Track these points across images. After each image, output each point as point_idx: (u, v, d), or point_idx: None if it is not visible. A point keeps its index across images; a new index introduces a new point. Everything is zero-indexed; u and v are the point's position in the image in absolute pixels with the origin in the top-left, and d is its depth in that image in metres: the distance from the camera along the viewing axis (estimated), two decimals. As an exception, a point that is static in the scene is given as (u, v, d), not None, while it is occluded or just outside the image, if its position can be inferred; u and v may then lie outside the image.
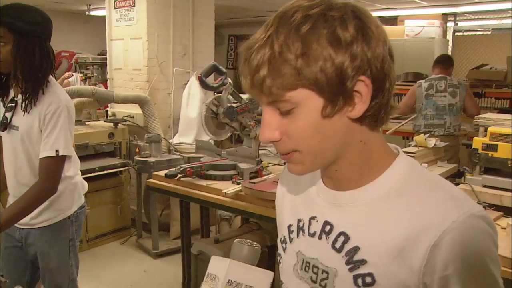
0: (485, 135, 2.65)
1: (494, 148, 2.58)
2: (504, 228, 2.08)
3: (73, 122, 1.96)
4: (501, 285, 0.74)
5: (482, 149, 2.62)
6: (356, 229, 0.78)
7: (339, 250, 0.78)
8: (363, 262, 0.75)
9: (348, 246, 0.78)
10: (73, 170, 2.06)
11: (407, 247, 0.72)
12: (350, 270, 0.77)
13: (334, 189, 0.82)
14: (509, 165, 2.52)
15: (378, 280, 0.74)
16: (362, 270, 0.75)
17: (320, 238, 0.82)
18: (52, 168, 1.88)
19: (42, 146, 1.87)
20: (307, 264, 0.84)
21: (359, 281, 0.75)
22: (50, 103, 1.86)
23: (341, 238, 0.79)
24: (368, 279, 0.75)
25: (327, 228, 0.81)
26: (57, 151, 1.86)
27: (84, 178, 2.19)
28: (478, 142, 2.66)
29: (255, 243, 0.88)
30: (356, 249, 0.77)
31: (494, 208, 2.32)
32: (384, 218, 0.75)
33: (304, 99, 0.70)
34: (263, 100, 0.74)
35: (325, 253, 0.80)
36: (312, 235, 0.84)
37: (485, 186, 2.62)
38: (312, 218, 0.84)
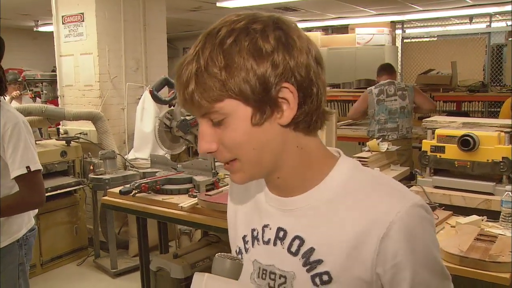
0: (433, 138, 2.74)
1: (441, 149, 2.67)
2: (454, 227, 2.15)
3: (33, 135, 1.94)
4: (443, 265, 0.81)
5: (431, 151, 2.71)
6: (309, 231, 0.81)
7: (295, 254, 0.81)
8: (319, 262, 0.79)
9: (303, 249, 0.80)
10: None
11: (359, 242, 0.76)
12: (308, 271, 0.80)
13: (282, 196, 0.85)
14: (456, 166, 2.62)
15: (335, 277, 0.78)
16: (319, 269, 0.79)
17: (275, 244, 0.84)
18: (31, 184, 1.86)
19: (10, 165, 1.83)
20: (264, 272, 0.86)
21: (317, 280, 0.79)
22: (6, 121, 1.82)
23: (296, 242, 0.81)
24: (325, 277, 0.78)
25: (281, 234, 0.84)
26: (28, 167, 1.82)
27: (36, 199, 2.12)
28: (426, 144, 2.75)
29: (237, 256, 0.87)
30: (311, 250, 0.80)
31: (444, 207, 2.40)
32: (334, 217, 0.79)
33: (232, 109, 0.73)
34: (195, 113, 0.76)
35: (281, 259, 0.83)
36: (267, 242, 0.86)
37: (435, 187, 2.71)
38: (265, 226, 0.87)
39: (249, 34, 0.72)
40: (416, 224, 0.76)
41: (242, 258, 0.90)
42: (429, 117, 3.33)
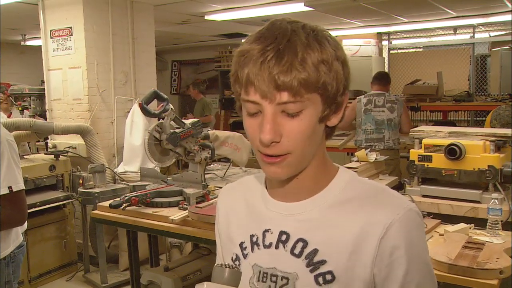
0: (420, 147, 2.77)
1: (429, 159, 2.71)
2: (442, 235, 2.17)
3: (17, 153, 1.95)
4: (433, 271, 0.87)
5: (418, 161, 2.75)
6: (312, 233, 0.85)
7: (298, 255, 0.85)
8: (322, 262, 0.83)
9: (307, 250, 0.85)
10: None
11: (360, 242, 0.81)
12: (311, 271, 0.84)
13: (286, 201, 0.89)
14: (444, 174, 2.65)
15: (338, 276, 0.82)
16: (322, 269, 0.83)
17: (277, 247, 0.88)
18: (13, 203, 1.88)
19: None
20: (265, 275, 0.89)
21: (320, 279, 0.83)
22: None
23: (300, 244, 0.85)
24: (328, 277, 0.83)
25: (284, 237, 0.88)
26: (9, 187, 1.85)
27: (23, 215, 2.10)
28: (414, 154, 2.79)
29: (236, 265, 0.89)
30: (315, 251, 0.84)
31: (432, 216, 2.42)
32: (337, 221, 0.84)
33: (313, 102, 0.78)
34: (277, 99, 0.76)
35: (283, 261, 0.87)
36: (268, 246, 0.89)
37: (424, 196, 2.74)
38: (266, 231, 0.90)
39: (327, 39, 0.78)
40: (413, 227, 0.82)
41: (240, 264, 0.93)
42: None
